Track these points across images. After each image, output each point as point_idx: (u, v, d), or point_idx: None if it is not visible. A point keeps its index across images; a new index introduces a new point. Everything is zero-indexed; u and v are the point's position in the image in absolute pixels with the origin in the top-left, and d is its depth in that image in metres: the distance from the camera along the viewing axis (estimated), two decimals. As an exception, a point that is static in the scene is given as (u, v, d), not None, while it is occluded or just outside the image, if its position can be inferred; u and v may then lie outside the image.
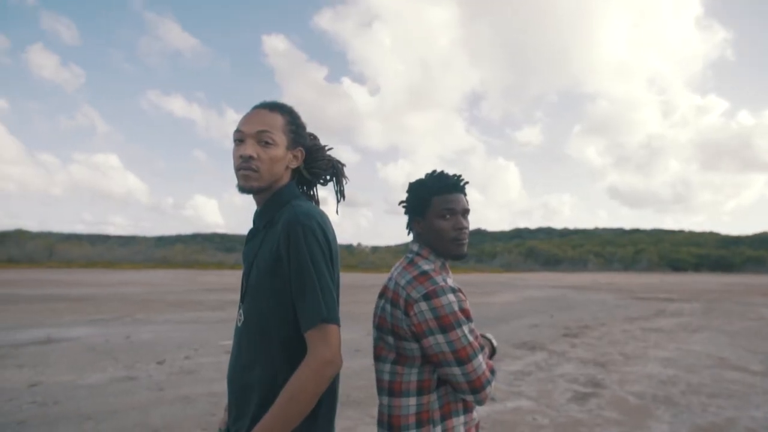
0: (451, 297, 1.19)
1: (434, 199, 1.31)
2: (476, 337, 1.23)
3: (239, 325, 1.17)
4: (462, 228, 1.31)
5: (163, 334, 8.24)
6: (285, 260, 1.06)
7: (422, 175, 1.38)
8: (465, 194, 1.37)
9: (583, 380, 5.40)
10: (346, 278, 30.99)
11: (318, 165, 1.29)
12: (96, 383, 4.98)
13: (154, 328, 8.89)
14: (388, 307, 1.26)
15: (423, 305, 1.18)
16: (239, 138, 1.15)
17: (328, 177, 1.33)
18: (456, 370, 1.19)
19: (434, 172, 1.37)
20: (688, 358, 6.73)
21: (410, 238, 1.40)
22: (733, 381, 5.44)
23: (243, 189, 1.15)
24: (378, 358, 1.30)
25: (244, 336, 1.14)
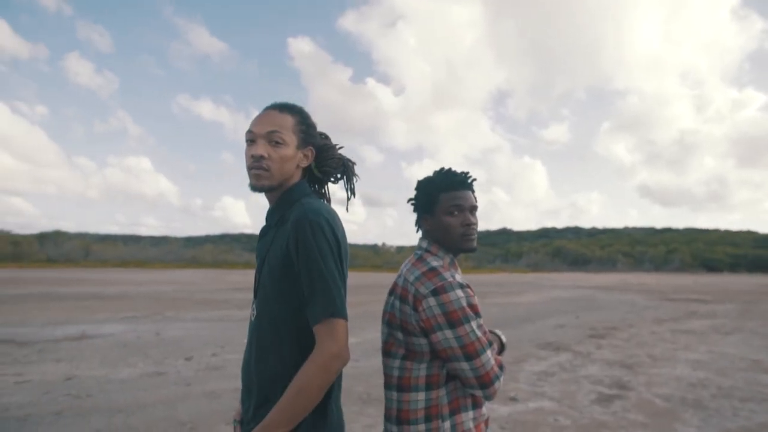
0: (460, 293, 1.20)
1: (442, 195, 1.33)
2: (484, 333, 1.24)
3: (253, 319, 1.21)
4: (470, 224, 1.32)
5: (191, 331, 8.46)
6: (294, 256, 1.09)
7: (430, 173, 1.40)
8: (473, 191, 1.38)
9: (608, 382, 5.30)
10: (370, 278, 31.08)
11: (328, 163, 1.32)
12: (127, 378, 5.17)
13: (183, 325, 9.14)
14: (398, 303, 1.28)
15: (431, 301, 1.19)
16: (250, 138, 1.19)
17: (338, 175, 1.36)
18: (464, 365, 1.20)
19: (442, 169, 1.39)
20: (720, 361, 6.51)
21: (419, 235, 1.42)
22: (767, 385, 5.25)
23: (254, 188, 1.19)
24: (388, 353, 1.32)
25: (257, 330, 1.18)
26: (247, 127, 1.22)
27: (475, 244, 1.35)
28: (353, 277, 32.42)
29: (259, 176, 1.17)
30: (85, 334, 7.82)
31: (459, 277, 1.28)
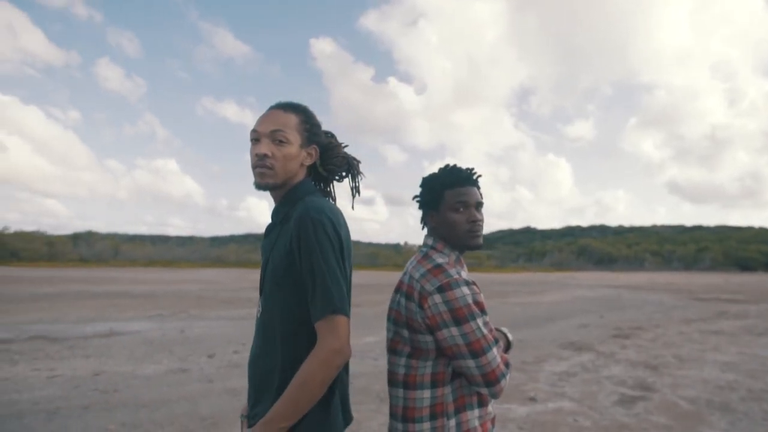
0: (465, 290, 1.20)
1: (447, 192, 1.33)
2: (490, 330, 1.23)
3: (258, 316, 1.24)
4: (476, 220, 1.32)
5: (214, 329, 8.63)
6: (296, 253, 1.11)
7: (435, 170, 1.40)
8: (478, 187, 1.37)
9: (632, 383, 5.18)
10: (393, 277, 31.07)
11: (333, 162, 1.33)
12: (152, 374, 5.31)
13: (207, 323, 9.33)
14: (403, 300, 1.28)
15: (437, 298, 1.19)
16: (255, 137, 1.22)
17: (343, 173, 1.37)
18: (470, 363, 1.19)
19: (447, 166, 1.38)
20: (751, 363, 6.29)
21: (425, 232, 1.42)
22: (801, 388, 5.04)
23: (259, 186, 1.21)
24: (393, 351, 1.32)
25: (262, 326, 1.21)
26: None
27: (481, 240, 1.35)
28: (375, 276, 32.50)
29: (264, 174, 1.19)
30: (113, 332, 8.06)
31: (465, 274, 1.28)
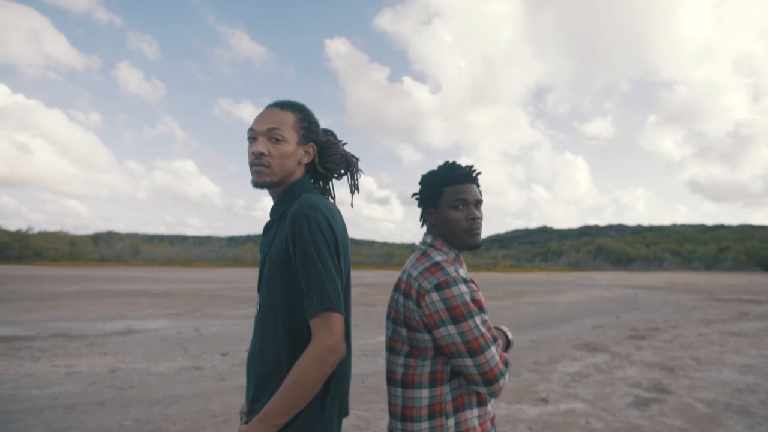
0: (463, 287, 1.19)
1: (446, 189, 1.32)
2: (489, 329, 1.22)
3: (256, 313, 1.25)
4: (475, 218, 1.31)
5: (229, 327, 8.72)
6: (291, 251, 1.11)
7: (435, 167, 1.40)
8: (478, 185, 1.36)
9: (647, 384, 5.09)
10: (405, 277, 30.90)
11: (331, 159, 1.34)
12: (166, 371, 5.39)
13: (222, 322, 9.44)
14: (402, 298, 1.27)
15: (435, 296, 1.18)
16: (252, 136, 1.23)
17: (342, 171, 1.38)
18: (468, 361, 1.19)
19: (446, 163, 1.38)
20: (773, 365, 6.13)
21: (424, 230, 1.42)
22: (824, 391, 4.90)
23: (256, 184, 1.22)
24: (392, 350, 1.32)
25: (259, 324, 1.21)
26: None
27: (479, 239, 1.34)
28: (391, 276, 32.48)
29: (261, 173, 1.20)
30: (130, 329, 8.21)
31: (463, 272, 1.27)
